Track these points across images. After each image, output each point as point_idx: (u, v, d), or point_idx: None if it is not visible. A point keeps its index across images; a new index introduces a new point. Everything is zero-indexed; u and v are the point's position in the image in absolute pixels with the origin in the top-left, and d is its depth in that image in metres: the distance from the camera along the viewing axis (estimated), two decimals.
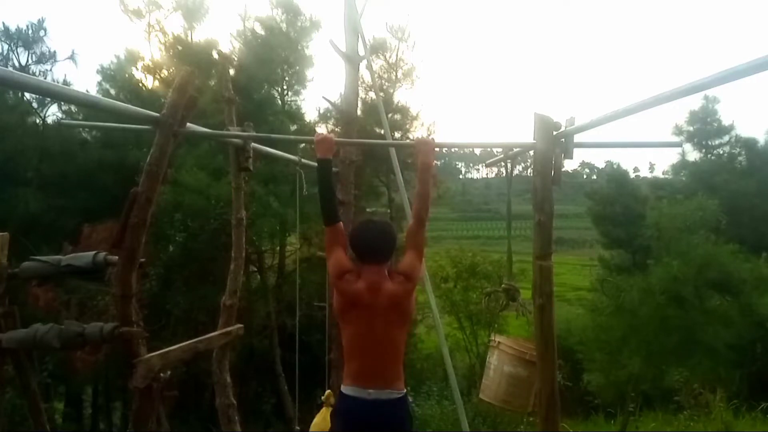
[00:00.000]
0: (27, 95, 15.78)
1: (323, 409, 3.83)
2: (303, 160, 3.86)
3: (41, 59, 16.52)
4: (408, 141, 2.98)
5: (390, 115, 16.64)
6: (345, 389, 2.57)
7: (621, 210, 20.39)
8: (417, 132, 17.93)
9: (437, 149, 2.92)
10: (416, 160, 2.75)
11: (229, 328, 3.98)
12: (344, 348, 2.62)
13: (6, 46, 16.28)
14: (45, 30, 16.60)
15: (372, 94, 15.56)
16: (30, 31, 16.37)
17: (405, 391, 2.61)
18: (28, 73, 13.87)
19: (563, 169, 2.88)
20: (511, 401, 3.53)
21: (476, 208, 78.34)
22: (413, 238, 2.67)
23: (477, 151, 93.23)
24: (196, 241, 12.72)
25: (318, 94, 30.79)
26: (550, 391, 2.85)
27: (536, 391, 3.12)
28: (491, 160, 4.28)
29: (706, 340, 11.90)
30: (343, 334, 2.62)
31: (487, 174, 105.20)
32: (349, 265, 2.60)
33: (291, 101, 17.06)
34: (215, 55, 15.31)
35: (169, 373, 3.00)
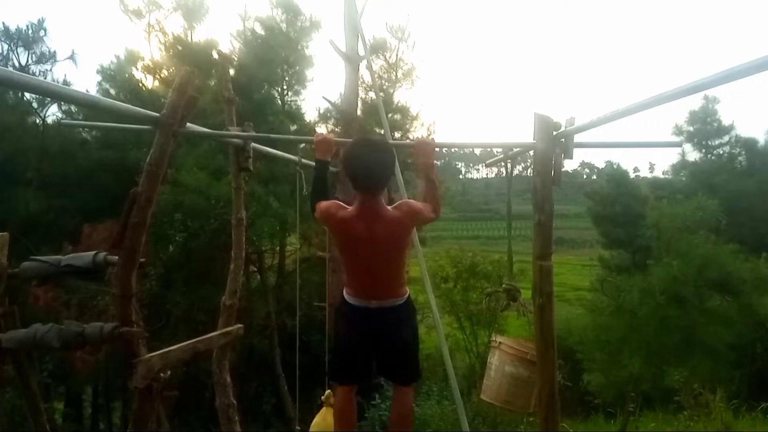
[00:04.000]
0: (27, 95, 15.78)
1: (323, 409, 3.82)
2: (303, 160, 3.86)
3: (41, 59, 16.51)
4: (408, 141, 2.96)
5: (390, 115, 16.63)
6: (348, 298, 2.59)
7: (621, 210, 20.39)
8: (417, 132, 17.92)
9: (437, 149, 2.92)
10: (417, 160, 2.74)
11: (229, 328, 3.98)
12: (344, 267, 2.63)
13: (6, 46, 16.28)
14: (45, 30, 16.59)
15: (372, 94, 15.56)
16: (30, 31, 16.36)
17: (407, 293, 2.63)
18: (28, 73, 13.87)
19: (563, 169, 2.88)
20: (512, 401, 3.52)
21: (476, 208, 78.32)
22: (427, 210, 2.60)
23: (477, 151, 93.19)
24: (196, 241, 12.71)
25: (318, 94, 30.82)
26: (550, 391, 2.85)
27: (537, 391, 3.12)
28: (491, 160, 4.29)
29: (706, 340, 11.91)
30: (342, 258, 2.63)
31: (487, 174, 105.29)
32: (333, 203, 2.55)
33: (291, 101, 17.06)
34: (215, 55, 15.29)
35: (169, 373, 3.00)
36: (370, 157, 2.39)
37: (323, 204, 2.55)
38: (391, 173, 2.50)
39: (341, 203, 2.56)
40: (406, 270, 2.69)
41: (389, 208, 2.49)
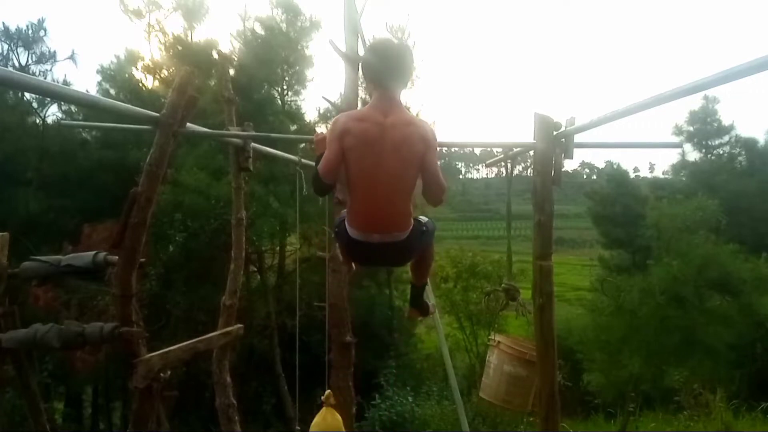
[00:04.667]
0: (27, 95, 15.78)
1: (323, 409, 3.82)
2: (303, 160, 3.86)
3: (41, 59, 16.52)
4: None
5: None
6: (349, 230, 2.43)
7: (621, 210, 20.41)
8: None
9: (438, 149, 2.91)
10: None
11: (229, 328, 3.98)
12: (348, 190, 2.42)
13: (6, 46, 16.30)
14: (45, 30, 16.61)
15: None
16: (30, 31, 16.38)
17: (412, 225, 2.42)
18: (28, 73, 13.87)
19: (563, 169, 2.88)
20: (511, 400, 3.53)
21: (476, 208, 78.34)
22: (443, 180, 2.44)
23: (477, 151, 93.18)
24: (196, 241, 12.71)
25: (318, 94, 30.76)
26: (550, 391, 2.85)
27: (536, 390, 3.13)
28: (491, 160, 4.29)
29: (706, 340, 11.92)
30: (347, 176, 2.36)
31: (487, 174, 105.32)
32: (334, 123, 2.36)
33: (291, 101, 17.05)
34: (215, 55, 15.30)
35: (169, 373, 3.00)
36: (390, 51, 2.33)
37: (329, 139, 2.34)
38: (410, 70, 2.40)
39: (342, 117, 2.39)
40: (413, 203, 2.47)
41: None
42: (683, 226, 13.44)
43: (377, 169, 2.26)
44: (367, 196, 2.34)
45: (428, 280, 3.12)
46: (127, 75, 17.21)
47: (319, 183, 2.36)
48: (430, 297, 5.02)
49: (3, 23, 16.17)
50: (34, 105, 16.23)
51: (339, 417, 3.52)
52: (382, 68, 2.30)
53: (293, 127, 15.82)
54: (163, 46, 16.90)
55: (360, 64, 2.45)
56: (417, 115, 18.04)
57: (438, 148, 2.42)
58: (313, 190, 2.46)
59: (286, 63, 16.45)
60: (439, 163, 2.47)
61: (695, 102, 22.75)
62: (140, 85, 17.02)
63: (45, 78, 15.80)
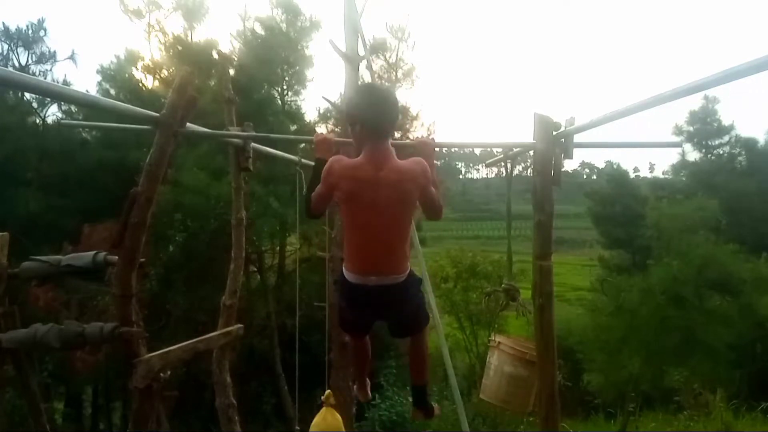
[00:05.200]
0: (27, 95, 15.80)
1: (323, 409, 3.82)
2: (303, 160, 3.85)
3: (41, 59, 16.55)
4: (408, 141, 2.93)
5: None
6: (347, 274, 2.44)
7: (621, 210, 20.44)
8: (417, 132, 17.93)
9: (437, 149, 2.91)
10: None
11: (229, 328, 3.98)
12: (345, 234, 2.46)
13: (6, 46, 16.32)
14: (45, 30, 16.64)
15: None
16: (30, 31, 16.40)
17: (408, 269, 2.46)
18: (28, 73, 13.87)
19: (563, 169, 2.88)
20: (511, 401, 3.53)
21: (476, 208, 78.33)
22: (437, 196, 2.49)
23: (477, 151, 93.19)
24: (196, 241, 12.71)
25: (318, 94, 30.77)
26: (550, 391, 2.85)
27: (537, 391, 3.12)
28: (491, 160, 4.28)
29: (706, 340, 11.92)
30: (344, 221, 2.44)
31: (487, 174, 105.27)
32: (331, 161, 2.38)
33: (291, 101, 17.05)
34: (215, 55, 15.30)
35: (169, 373, 3.00)
36: (376, 99, 2.33)
37: (324, 176, 2.38)
38: (397, 116, 2.40)
39: (340, 156, 2.42)
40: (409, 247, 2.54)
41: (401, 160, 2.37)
42: (683, 226, 13.45)
43: (373, 218, 2.32)
44: (363, 241, 2.39)
45: (428, 377, 2.95)
46: (127, 75, 17.21)
47: (310, 209, 2.47)
48: (431, 297, 5.03)
49: (3, 23, 16.21)
50: (34, 105, 16.25)
51: (339, 417, 3.52)
52: (371, 121, 2.30)
53: (293, 127, 15.82)
54: (163, 46, 16.90)
55: (346, 115, 2.43)
56: (417, 115, 18.17)
57: (433, 164, 2.47)
58: (305, 213, 2.51)
59: (286, 63, 16.45)
60: (434, 182, 2.51)
61: (695, 102, 22.80)
62: (140, 85, 17.02)
63: (45, 78, 15.82)
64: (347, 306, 2.62)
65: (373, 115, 2.29)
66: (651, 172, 63.49)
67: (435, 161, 2.78)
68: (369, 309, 2.55)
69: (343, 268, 2.49)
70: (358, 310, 2.58)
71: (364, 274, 2.40)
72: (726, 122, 22.58)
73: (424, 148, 2.69)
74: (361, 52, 5.49)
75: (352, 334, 2.87)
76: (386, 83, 17.48)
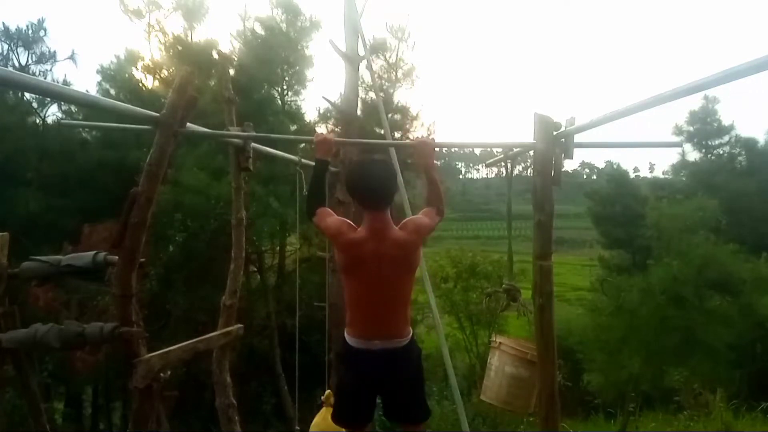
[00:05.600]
0: (27, 95, 15.79)
1: (323, 409, 3.82)
2: (303, 160, 3.86)
3: (41, 59, 16.55)
4: (407, 141, 2.94)
5: (390, 115, 16.63)
6: (349, 339, 2.47)
7: (621, 210, 20.43)
8: (417, 132, 17.93)
9: (437, 149, 2.91)
10: (416, 161, 2.73)
11: (229, 328, 3.97)
12: (347, 298, 2.51)
13: (6, 46, 16.32)
14: (45, 30, 16.64)
15: (372, 94, 15.54)
16: (30, 31, 16.39)
17: (411, 333, 2.52)
18: (28, 73, 13.87)
19: (563, 169, 2.88)
20: (512, 402, 3.51)
21: (476, 208, 78.30)
22: (431, 215, 2.56)
23: (477, 151, 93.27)
24: (196, 241, 12.71)
25: (318, 94, 30.76)
26: (550, 391, 2.85)
27: (537, 391, 3.12)
28: (491, 160, 4.28)
29: (706, 340, 11.92)
30: (345, 285, 2.51)
31: (487, 174, 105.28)
32: (343, 222, 2.50)
33: (291, 101, 17.06)
34: (215, 55, 15.30)
35: (169, 373, 3.00)
36: (373, 173, 2.42)
37: (332, 220, 2.48)
38: (395, 189, 2.50)
39: (351, 223, 2.50)
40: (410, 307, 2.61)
41: (396, 227, 2.46)
42: (683, 226, 13.44)
43: (375, 288, 2.41)
44: (366, 307, 2.45)
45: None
46: (127, 75, 17.20)
47: (312, 213, 2.53)
48: (431, 297, 5.03)
49: (3, 23, 16.21)
50: (34, 105, 16.25)
51: None
52: (366, 196, 2.41)
53: (293, 127, 15.82)
54: (163, 46, 16.90)
55: (345, 187, 2.52)
56: (417, 115, 18.15)
57: (423, 233, 2.54)
58: (307, 213, 2.58)
59: (286, 63, 16.45)
60: (435, 180, 2.64)
61: (695, 102, 22.79)
62: (140, 85, 17.01)
63: (45, 78, 15.81)
64: (347, 380, 2.56)
65: (367, 190, 2.40)
66: (651, 172, 63.52)
67: (435, 161, 2.79)
68: (370, 379, 2.49)
69: (345, 335, 2.51)
70: (359, 381, 2.51)
71: (368, 338, 2.43)
72: (726, 122, 22.59)
73: (424, 148, 2.70)
74: (361, 52, 5.49)
75: (349, 425, 2.67)
76: (386, 83, 17.49)
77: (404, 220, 2.55)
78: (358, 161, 2.67)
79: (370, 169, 2.45)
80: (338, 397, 2.70)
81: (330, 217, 2.51)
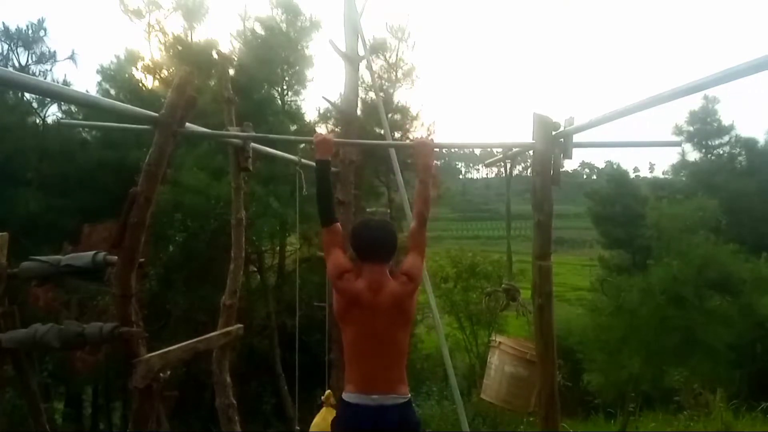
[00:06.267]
0: (27, 95, 15.79)
1: (323, 409, 3.83)
2: (303, 160, 3.86)
3: (41, 59, 16.55)
4: (407, 142, 2.95)
5: (390, 115, 16.64)
6: (347, 396, 2.48)
7: (621, 210, 20.42)
8: (417, 132, 17.94)
9: (437, 149, 2.92)
10: (416, 161, 2.73)
11: (229, 328, 3.98)
12: (345, 352, 2.55)
13: (6, 46, 16.32)
14: (45, 30, 16.64)
15: (372, 94, 15.56)
16: (30, 31, 16.40)
17: (410, 396, 2.54)
18: (28, 73, 13.88)
19: (563, 169, 2.88)
20: (512, 401, 3.51)
21: (476, 208, 78.30)
22: (415, 239, 2.65)
23: (477, 151, 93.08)
24: (196, 241, 12.71)
25: (318, 94, 30.76)
26: (550, 391, 2.85)
27: (537, 391, 3.12)
28: (491, 160, 4.27)
29: (706, 340, 11.92)
30: (344, 337, 2.55)
31: (487, 174, 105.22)
32: (348, 264, 2.56)
33: (291, 101, 17.07)
34: (215, 55, 15.30)
35: (169, 373, 3.00)
36: (374, 231, 2.57)
37: (340, 259, 2.55)
38: (394, 247, 2.60)
39: (354, 269, 2.56)
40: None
41: (391, 279, 2.54)
42: (683, 226, 13.44)
43: (372, 339, 2.47)
44: (364, 358, 2.49)
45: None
46: (127, 75, 17.22)
47: (327, 219, 2.59)
48: (431, 296, 5.03)
49: (3, 23, 16.21)
50: (34, 105, 16.25)
51: None
52: (367, 252, 2.52)
53: (293, 127, 15.83)
54: (163, 46, 16.92)
55: (350, 241, 2.64)
56: (417, 115, 18.13)
57: (417, 280, 2.62)
58: (321, 216, 2.62)
59: (286, 63, 16.46)
60: (430, 179, 2.71)
61: (695, 102, 22.77)
62: (140, 85, 17.03)
63: (45, 78, 15.80)
64: None
65: (368, 246, 2.53)
66: (651, 172, 63.44)
67: (435, 161, 2.80)
68: None
69: (343, 395, 2.52)
70: None
71: (366, 393, 2.44)
72: (726, 122, 22.57)
73: (423, 149, 2.70)
74: (361, 52, 5.49)
75: None
76: (386, 83, 17.49)
77: (396, 273, 2.59)
78: (363, 220, 2.80)
79: (373, 225, 2.62)
80: None
81: (338, 251, 2.58)
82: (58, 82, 14.43)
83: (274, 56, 16.02)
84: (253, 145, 3.81)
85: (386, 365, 2.48)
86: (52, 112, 16.60)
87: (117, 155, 14.43)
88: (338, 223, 2.63)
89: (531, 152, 2.94)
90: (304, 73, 16.90)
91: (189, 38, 17.01)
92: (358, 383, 2.47)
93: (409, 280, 2.54)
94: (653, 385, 12.32)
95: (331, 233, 2.58)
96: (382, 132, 8.31)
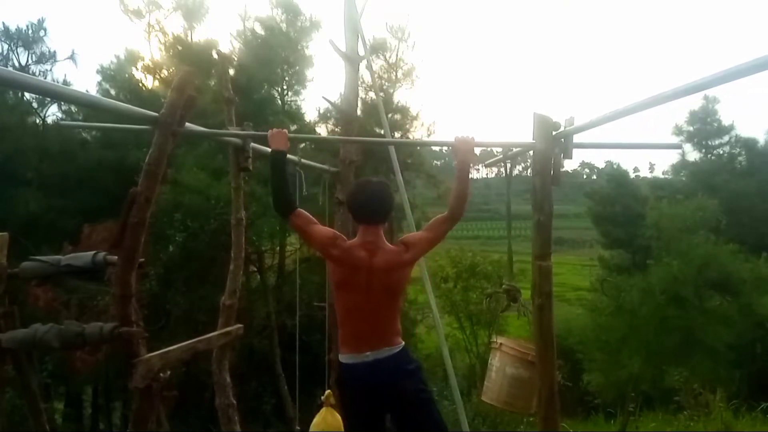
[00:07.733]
0: (27, 95, 15.79)
1: (323, 409, 3.83)
2: (303, 160, 3.86)
3: (41, 59, 16.53)
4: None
5: (390, 115, 16.62)
6: (343, 357, 2.53)
7: (621, 210, 20.42)
8: (417, 132, 17.94)
9: (436, 149, 2.92)
10: (456, 157, 2.72)
11: (229, 328, 3.97)
12: (338, 315, 2.59)
13: (6, 46, 16.31)
14: (45, 30, 16.62)
15: (372, 94, 15.55)
16: (30, 31, 16.38)
17: (402, 343, 2.56)
18: (28, 73, 13.87)
19: (563, 169, 2.88)
20: (513, 403, 3.50)
21: (476, 208, 78.18)
22: (434, 226, 2.65)
23: (477, 151, 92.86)
24: (196, 241, 12.69)
25: (318, 94, 30.75)
26: (550, 391, 2.85)
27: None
28: (491, 160, 4.27)
29: (706, 340, 11.93)
30: (337, 301, 2.58)
31: (487, 174, 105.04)
32: (334, 232, 2.58)
33: (291, 101, 17.07)
34: (215, 55, 15.30)
35: (169, 373, 3.00)
36: (369, 192, 2.57)
37: (323, 230, 2.55)
38: (390, 207, 2.60)
39: (341, 235, 2.57)
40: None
41: (389, 243, 2.55)
42: (683, 226, 13.45)
43: (365, 300, 2.47)
44: (357, 319, 2.51)
45: None
46: (127, 75, 17.22)
47: (280, 206, 2.56)
48: (430, 297, 5.03)
49: (3, 23, 16.20)
50: (34, 105, 16.24)
51: (339, 417, 3.52)
52: (362, 213, 2.54)
53: (293, 127, 15.82)
54: (163, 46, 16.91)
55: (345, 203, 2.65)
56: (417, 115, 18.13)
57: (415, 254, 2.59)
58: (275, 206, 2.62)
59: (286, 63, 16.45)
60: (465, 182, 2.69)
61: (695, 102, 22.76)
62: (140, 85, 17.02)
63: (45, 78, 15.79)
64: (350, 401, 2.58)
65: (364, 208, 2.55)
66: (651, 172, 63.26)
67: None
68: (370, 393, 2.48)
69: (339, 357, 2.56)
70: (360, 398, 2.52)
71: (359, 352, 2.47)
72: (726, 122, 22.56)
73: (464, 147, 2.71)
74: (361, 52, 5.49)
75: None
76: (386, 83, 17.49)
77: (402, 237, 2.61)
78: (359, 181, 2.81)
79: (369, 186, 2.61)
80: (346, 422, 2.70)
81: (317, 226, 2.56)
82: (58, 82, 14.42)
83: (274, 56, 16.02)
84: (252, 144, 3.81)
85: (377, 324, 2.51)
86: (52, 112, 16.62)
87: (117, 155, 14.42)
88: (300, 209, 2.58)
89: (531, 152, 2.94)
90: (304, 73, 16.92)
91: (189, 38, 17.01)
92: (351, 344, 2.51)
93: (406, 249, 2.53)
94: (653, 385, 12.32)
95: (297, 217, 2.55)
96: (382, 132, 8.30)
